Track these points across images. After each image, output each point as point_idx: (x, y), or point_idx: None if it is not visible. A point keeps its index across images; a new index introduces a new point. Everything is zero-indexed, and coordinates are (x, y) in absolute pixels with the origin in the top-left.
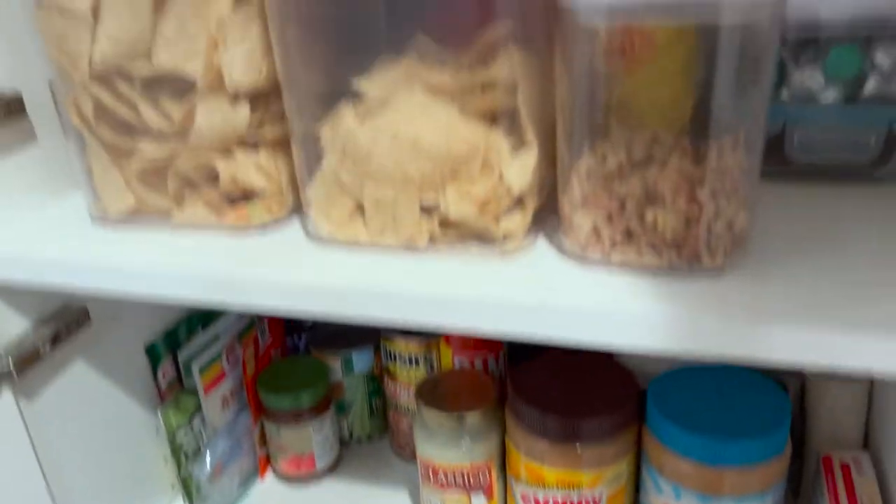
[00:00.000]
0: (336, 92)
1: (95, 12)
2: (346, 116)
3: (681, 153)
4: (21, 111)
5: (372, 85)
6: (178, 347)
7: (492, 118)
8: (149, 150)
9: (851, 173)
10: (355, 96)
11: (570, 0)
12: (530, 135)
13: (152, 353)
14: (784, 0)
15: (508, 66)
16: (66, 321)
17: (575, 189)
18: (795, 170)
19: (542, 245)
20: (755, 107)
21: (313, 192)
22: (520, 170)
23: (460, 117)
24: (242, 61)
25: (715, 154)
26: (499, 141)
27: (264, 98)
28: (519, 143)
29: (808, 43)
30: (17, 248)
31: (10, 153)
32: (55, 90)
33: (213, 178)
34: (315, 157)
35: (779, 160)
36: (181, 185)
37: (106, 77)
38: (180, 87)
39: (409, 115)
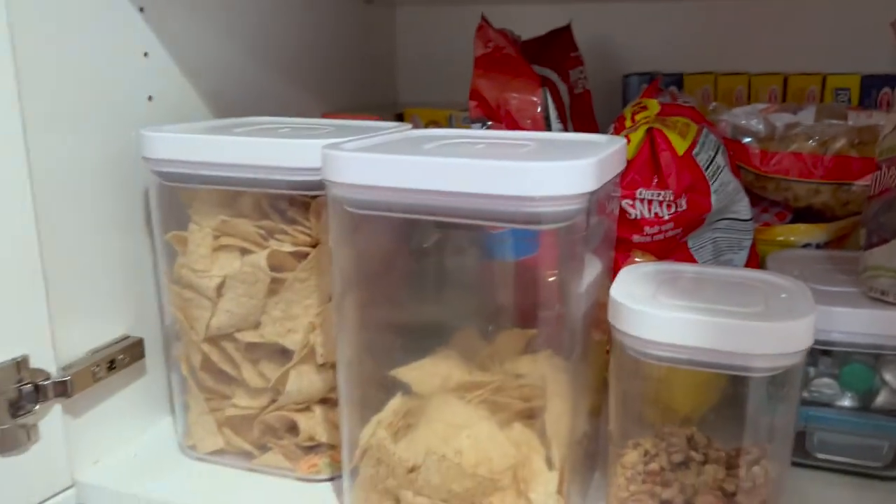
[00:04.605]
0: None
1: (219, 291)
2: (379, 433)
3: (714, 461)
4: (142, 354)
5: (410, 374)
6: None
7: (528, 417)
8: (243, 402)
9: (867, 473)
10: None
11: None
12: (555, 455)
13: None
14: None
15: (540, 372)
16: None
17: (622, 487)
18: (817, 464)
19: None
20: (783, 422)
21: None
22: (544, 495)
23: (497, 427)
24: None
25: (744, 463)
26: (532, 455)
27: None
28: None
29: (825, 353)
30: (115, 477)
31: (128, 385)
32: (169, 338)
33: (292, 429)
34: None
35: (802, 454)
36: (264, 433)
37: (216, 340)
38: (278, 353)
39: (450, 430)
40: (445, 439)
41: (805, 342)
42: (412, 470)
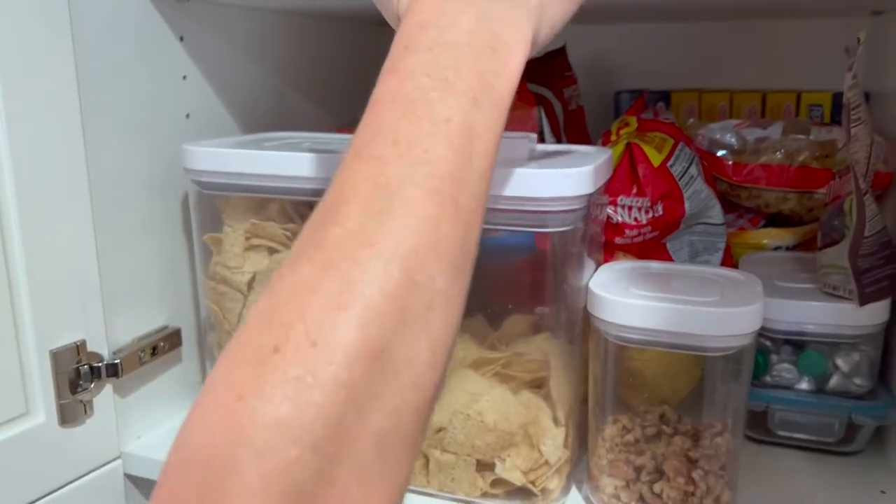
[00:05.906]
0: None
1: (249, 286)
2: None
3: (682, 434)
4: (179, 342)
5: None
6: None
7: (533, 386)
8: None
9: (822, 449)
10: None
11: (596, 319)
12: (561, 415)
13: None
14: (755, 335)
15: (544, 351)
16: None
17: (601, 456)
18: (778, 440)
19: (574, 499)
20: (737, 399)
21: None
22: (553, 447)
23: (510, 393)
24: None
25: (708, 435)
26: (541, 415)
27: None
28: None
29: (786, 342)
30: (156, 451)
31: (167, 370)
32: (204, 328)
33: None
34: None
35: (765, 432)
36: None
37: None
38: None
39: (471, 397)
40: (468, 404)
41: (753, 325)
42: (439, 431)
